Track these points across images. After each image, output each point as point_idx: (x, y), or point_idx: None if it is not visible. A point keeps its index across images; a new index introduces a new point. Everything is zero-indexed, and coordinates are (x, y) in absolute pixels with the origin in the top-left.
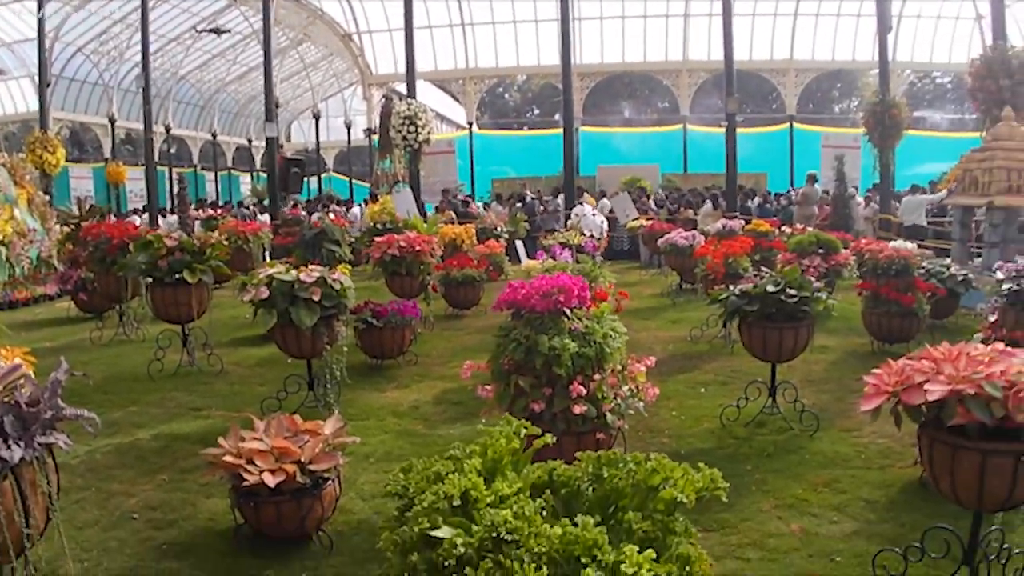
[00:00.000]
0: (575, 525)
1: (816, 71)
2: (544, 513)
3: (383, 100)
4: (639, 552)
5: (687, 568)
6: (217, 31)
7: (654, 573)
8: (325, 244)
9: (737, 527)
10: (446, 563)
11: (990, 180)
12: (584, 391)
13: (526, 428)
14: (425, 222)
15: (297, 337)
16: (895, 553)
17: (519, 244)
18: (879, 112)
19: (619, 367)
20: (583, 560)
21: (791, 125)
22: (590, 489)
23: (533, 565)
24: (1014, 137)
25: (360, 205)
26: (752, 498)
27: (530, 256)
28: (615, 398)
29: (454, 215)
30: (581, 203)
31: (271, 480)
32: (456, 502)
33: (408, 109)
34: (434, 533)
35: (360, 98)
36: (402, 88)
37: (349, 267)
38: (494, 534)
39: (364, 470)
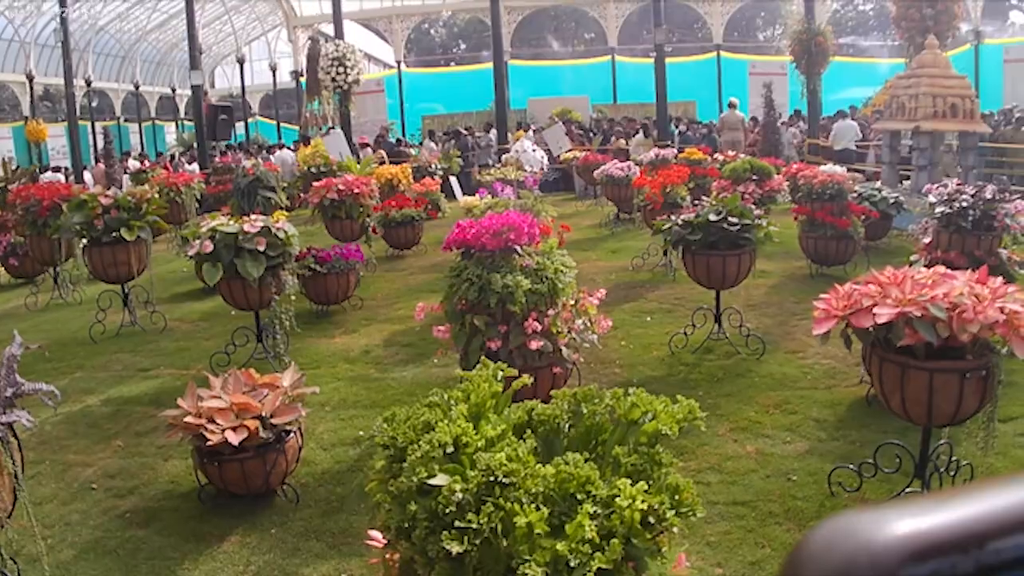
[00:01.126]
0: (567, 463)
1: (742, 0)
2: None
3: (309, 42)
4: (631, 485)
5: (676, 497)
6: None
7: (647, 504)
8: (261, 191)
9: (695, 452)
10: (447, 510)
11: (916, 106)
12: (539, 327)
13: (503, 371)
14: (358, 163)
15: (244, 289)
16: (849, 470)
17: (454, 181)
18: (805, 40)
19: (571, 301)
20: (579, 496)
21: (718, 54)
22: (567, 426)
23: (532, 506)
24: (938, 64)
25: (278, 149)
26: (707, 423)
27: (465, 192)
28: (569, 332)
29: (384, 154)
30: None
31: (234, 438)
32: (449, 449)
33: (336, 50)
34: (432, 481)
35: (284, 40)
36: (328, 29)
37: (285, 213)
38: (490, 478)
39: (322, 419)
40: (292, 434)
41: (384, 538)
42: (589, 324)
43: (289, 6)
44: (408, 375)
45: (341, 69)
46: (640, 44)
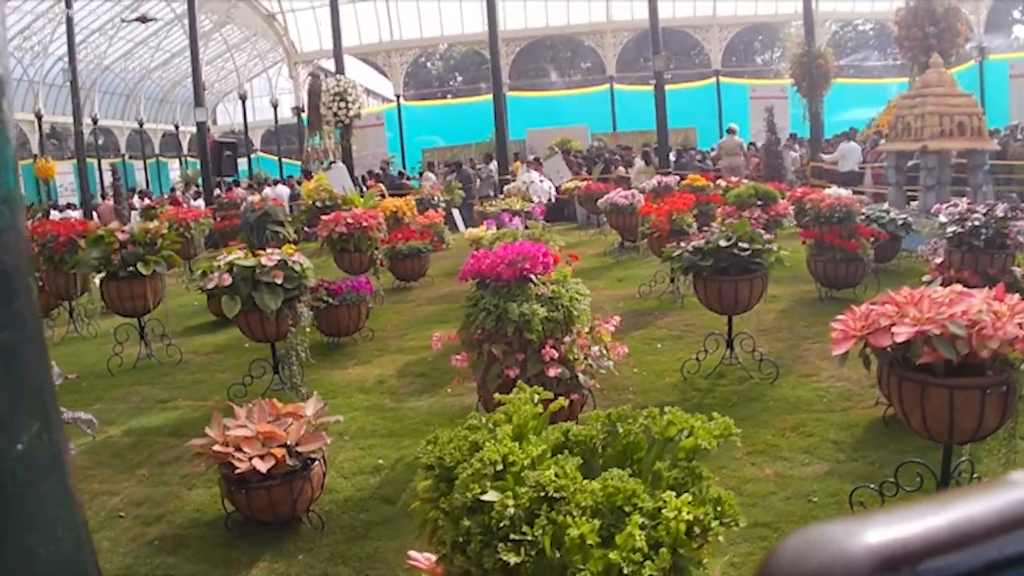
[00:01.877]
0: (612, 479)
1: (739, 26)
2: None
3: (310, 78)
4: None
5: (719, 508)
6: (143, 19)
7: (693, 515)
8: (269, 226)
9: (713, 475)
10: (500, 524)
11: (923, 125)
12: (556, 354)
13: (539, 394)
14: (361, 196)
15: (261, 321)
16: (870, 489)
17: (456, 212)
18: (806, 63)
19: (587, 329)
20: (626, 509)
21: (717, 79)
22: (602, 446)
23: (583, 518)
24: (943, 83)
25: (269, 186)
26: (724, 446)
27: (468, 224)
28: (586, 359)
29: (384, 188)
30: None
31: (262, 466)
32: (499, 467)
33: (338, 85)
34: (484, 498)
35: (285, 76)
36: (328, 64)
37: (293, 247)
38: (541, 493)
39: (341, 448)
40: (317, 462)
41: (437, 553)
42: (605, 351)
43: (290, 42)
44: (423, 404)
45: (342, 104)
46: (638, 72)
